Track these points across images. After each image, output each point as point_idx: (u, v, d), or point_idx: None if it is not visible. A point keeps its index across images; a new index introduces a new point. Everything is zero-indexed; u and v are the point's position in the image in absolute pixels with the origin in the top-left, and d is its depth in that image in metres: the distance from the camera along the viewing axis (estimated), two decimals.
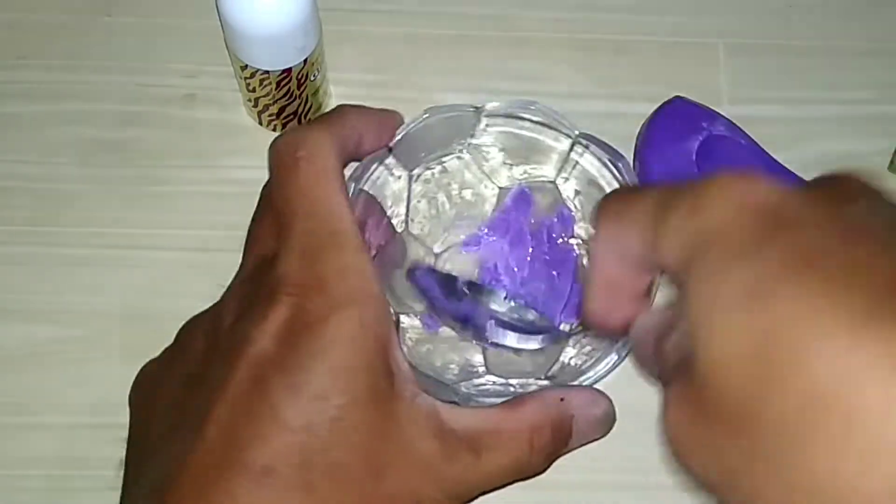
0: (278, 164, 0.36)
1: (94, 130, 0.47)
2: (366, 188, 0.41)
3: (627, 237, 0.31)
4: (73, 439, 0.42)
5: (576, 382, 0.39)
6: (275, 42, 0.41)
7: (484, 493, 0.35)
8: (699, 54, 0.49)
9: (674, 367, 0.29)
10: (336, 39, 0.47)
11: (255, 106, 0.45)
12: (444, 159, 0.43)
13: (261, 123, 0.47)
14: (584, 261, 0.43)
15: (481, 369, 0.41)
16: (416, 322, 0.42)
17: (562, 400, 0.36)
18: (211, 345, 0.35)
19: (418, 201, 0.43)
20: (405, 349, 0.41)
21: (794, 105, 0.49)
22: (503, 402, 0.36)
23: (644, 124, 0.46)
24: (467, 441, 0.34)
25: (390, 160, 0.41)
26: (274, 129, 0.47)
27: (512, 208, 0.44)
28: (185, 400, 0.34)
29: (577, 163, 0.42)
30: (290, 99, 0.45)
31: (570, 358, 0.41)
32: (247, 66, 0.42)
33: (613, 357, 0.39)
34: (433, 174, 0.43)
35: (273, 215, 0.36)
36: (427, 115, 0.41)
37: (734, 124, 0.45)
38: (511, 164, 0.43)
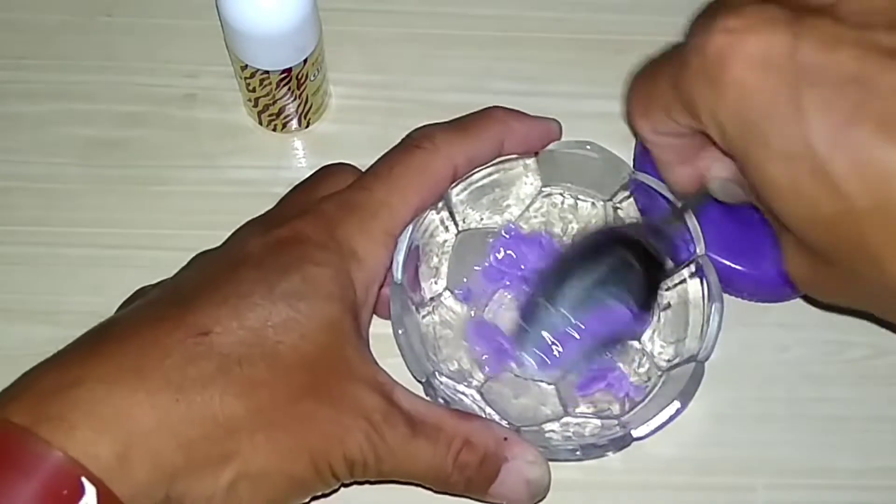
0: (402, 142, 0.39)
1: (94, 130, 0.47)
2: (495, 175, 0.41)
3: (662, 124, 0.34)
4: None
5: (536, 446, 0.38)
6: (275, 42, 0.41)
7: (397, 480, 0.35)
8: None
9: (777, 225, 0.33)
10: (336, 39, 0.47)
11: (255, 106, 0.45)
12: (580, 197, 0.43)
13: (261, 123, 0.47)
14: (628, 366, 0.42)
15: (475, 383, 0.41)
16: (457, 307, 0.42)
17: (505, 440, 0.36)
18: (210, 259, 0.37)
19: (534, 216, 0.43)
20: (429, 318, 0.41)
21: None
22: (455, 409, 0.37)
23: None
24: (409, 417, 0.34)
25: (531, 162, 0.41)
26: (274, 129, 0.47)
27: None
28: (167, 289, 0.36)
29: (685, 279, 0.41)
30: (290, 99, 0.45)
31: (551, 430, 0.40)
32: (247, 66, 0.42)
33: (577, 453, 0.38)
34: (563, 203, 0.43)
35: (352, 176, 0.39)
36: (588, 147, 0.41)
37: None
38: None
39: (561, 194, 0.43)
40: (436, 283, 0.42)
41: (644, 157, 0.44)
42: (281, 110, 0.45)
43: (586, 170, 0.42)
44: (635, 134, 0.36)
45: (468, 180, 0.41)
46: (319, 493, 0.35)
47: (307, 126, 0.47)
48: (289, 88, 0.44)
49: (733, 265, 0.43)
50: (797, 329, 0.45)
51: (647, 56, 0.35)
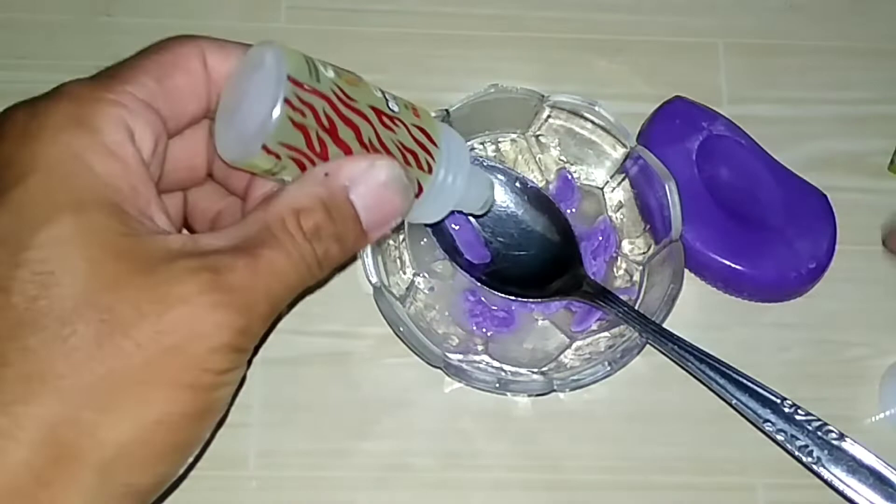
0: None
1: None
2: None
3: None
4: None
5: (567, 380, 0.39)
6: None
7: (286, 303, 0.30)
8: (699, 54, 0.49)
9: None
10: (336, 39, 0.47)
11: None
12: (499, 139, 0.44)
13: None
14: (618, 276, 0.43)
15: (480, 348, 0.41)
16: (433, 286, 0.43)
17: (326, 175, 0.30)
18: None
19: None
20: (413, 309, 0.42)
21: (794, 105, 0.49)
22: (262, 198, 0.31)
23: (644, 124, 0.46)
24: (235, 249, 0.28)
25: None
26: None
27: (556, 198, 0.44)
28: None
29: (626, 175, 0.42)
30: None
31: (569, 359, 0.41)
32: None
33: (607, 368, 0.39)
34: (486, 151, 0.44)
35: None
36: (492, 90, 0.42)
37: (734, 124, 0.45)
38: (564, 162, 0.44)
39: (482, 144, 0.44)
40: (404, 273, 0.43)
41: (650, 136, 0.44)
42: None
43: (497, 111, 0.43)
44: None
45: None
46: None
47: None
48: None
49: (733, 265, 0.43)
50: (797, 329, 0.45)
51: None
